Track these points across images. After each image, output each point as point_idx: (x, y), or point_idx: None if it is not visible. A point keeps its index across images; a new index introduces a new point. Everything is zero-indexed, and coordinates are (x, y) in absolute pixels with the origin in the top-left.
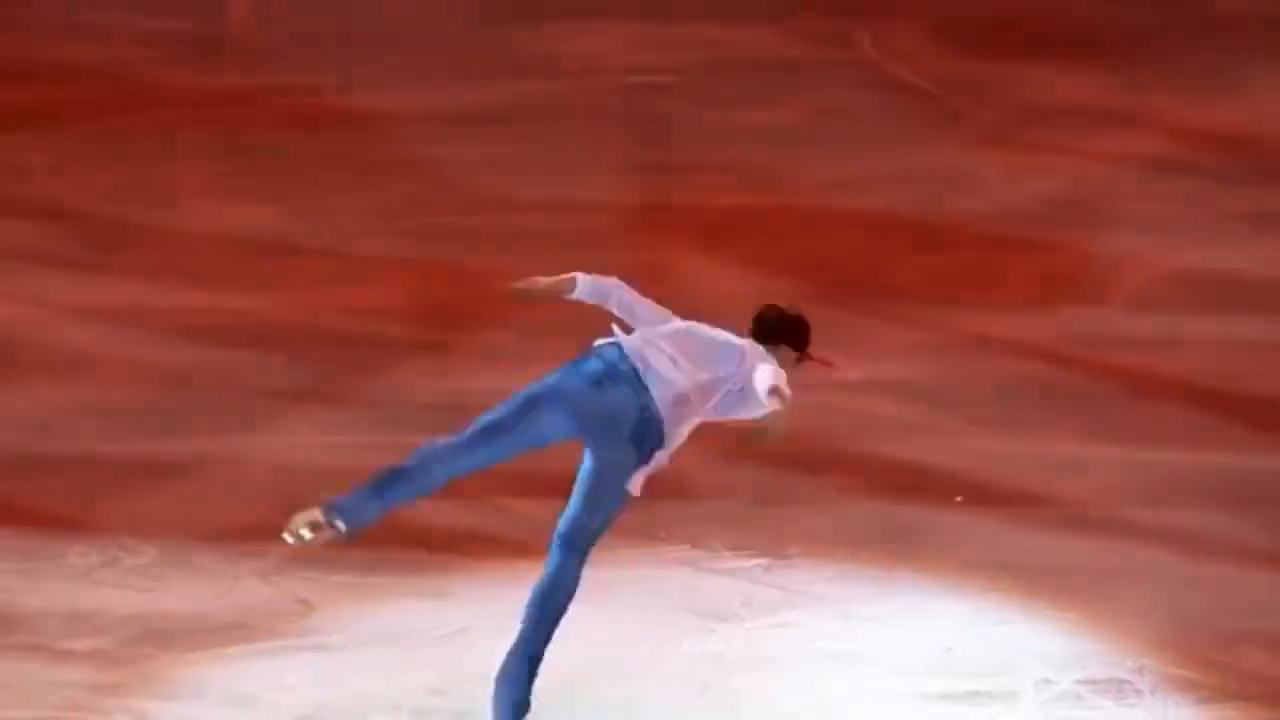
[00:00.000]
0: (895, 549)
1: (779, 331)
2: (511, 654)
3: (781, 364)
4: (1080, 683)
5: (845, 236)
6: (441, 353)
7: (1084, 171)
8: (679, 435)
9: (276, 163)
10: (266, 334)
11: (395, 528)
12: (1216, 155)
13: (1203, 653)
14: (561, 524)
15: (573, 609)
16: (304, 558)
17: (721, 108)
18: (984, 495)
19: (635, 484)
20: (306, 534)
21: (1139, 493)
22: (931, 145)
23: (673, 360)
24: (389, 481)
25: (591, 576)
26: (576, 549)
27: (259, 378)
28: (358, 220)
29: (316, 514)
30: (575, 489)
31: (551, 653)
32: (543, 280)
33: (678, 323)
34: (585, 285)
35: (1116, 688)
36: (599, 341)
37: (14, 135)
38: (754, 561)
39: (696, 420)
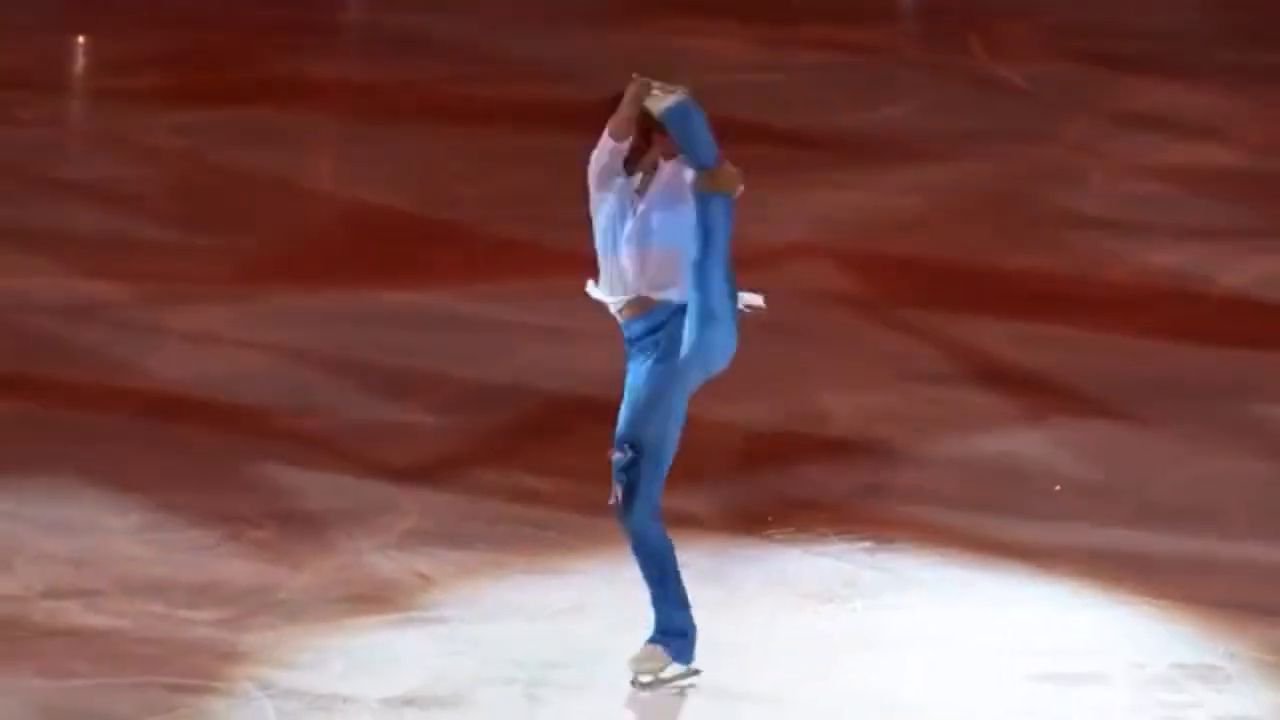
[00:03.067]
0: (994, 535)
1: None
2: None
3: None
4: (1172, 667)
5: (949, 231)
6: (562, 338)
7: (1184, 173)
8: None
9: (403, 149)
10: (391, 315)
11: (514, 505)
12: None
13: None
14: None
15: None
16: (424, 533)
17: (833, 106)
18: (1081, 484)
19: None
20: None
21: (1233, 482)
22: (1034, 145)
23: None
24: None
25: (701, 559)
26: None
27: (379, 357)
28: (480, 209)
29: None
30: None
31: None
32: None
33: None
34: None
35: (1207, 673)
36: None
37: (152, 118)
38: (859, 545)
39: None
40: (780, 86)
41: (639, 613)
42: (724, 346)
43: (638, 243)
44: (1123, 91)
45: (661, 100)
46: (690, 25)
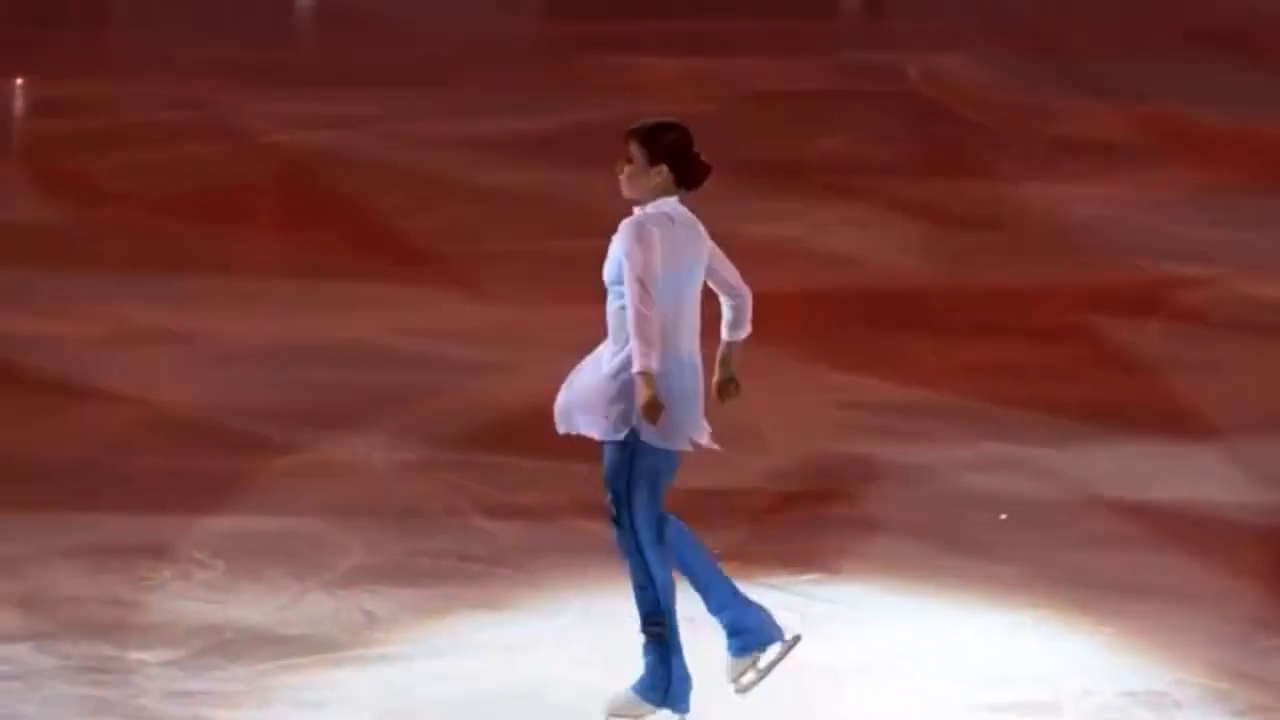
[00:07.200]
0: (941, 564)
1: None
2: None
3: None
4: (1120, 694)
5: (887, 263)
6: (502, 371)
7: (1125, 199)
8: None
9: (360, 187)
10: (332, 355)
11: (459, 542)
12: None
13: (1239, 666)
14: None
15: (620, 614)
16: (368, 570)
17: (771, 138)
18: (1027, 512)
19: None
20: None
21: (1177, 509)
22: (976, 175)
23: None
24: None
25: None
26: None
27: (322, 392)
28: (421, 240)
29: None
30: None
31: (600, 663)
32: None
33: None
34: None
35: (1156, 700)
36: None
37: (92, 160)
38: (806, 577)
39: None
40: (716, 118)
41: (588, 649)
42: None
43: None
44: (1060, 119)
45: None
46: (625, 60)
